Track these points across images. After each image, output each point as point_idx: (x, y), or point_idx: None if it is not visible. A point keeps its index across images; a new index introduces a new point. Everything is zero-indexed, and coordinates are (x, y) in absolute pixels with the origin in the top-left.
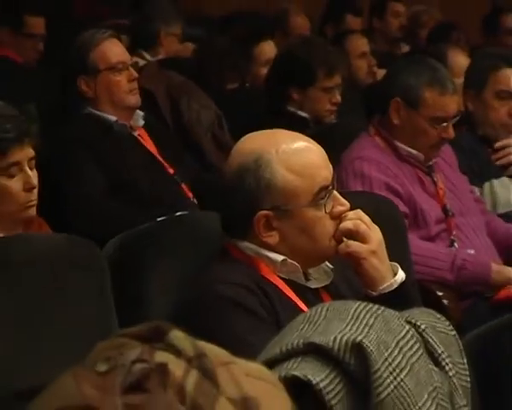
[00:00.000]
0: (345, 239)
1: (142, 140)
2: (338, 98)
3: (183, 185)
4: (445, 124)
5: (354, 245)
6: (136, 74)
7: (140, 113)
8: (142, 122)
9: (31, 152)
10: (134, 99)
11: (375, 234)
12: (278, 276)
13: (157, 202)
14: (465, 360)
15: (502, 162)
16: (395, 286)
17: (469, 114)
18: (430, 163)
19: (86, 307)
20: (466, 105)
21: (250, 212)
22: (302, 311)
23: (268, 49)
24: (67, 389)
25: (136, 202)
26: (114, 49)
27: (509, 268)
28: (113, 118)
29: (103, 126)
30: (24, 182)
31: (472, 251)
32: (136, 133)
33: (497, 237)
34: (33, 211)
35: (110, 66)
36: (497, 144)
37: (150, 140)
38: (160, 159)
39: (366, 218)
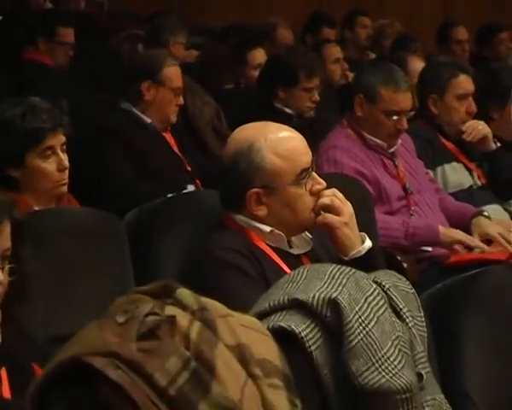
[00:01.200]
0: (322, 212)
1: (168, 141)
2: (317, 97)
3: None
4: (396, 117)
5: (330, 217)
6: (182, 102)
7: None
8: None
9: (63, 138)
10: (175, 118)
11: (347, 208)
12: (266, 244)
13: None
14: (422, 314)
15: (473, 136)
16: (363, 252)
17: (432, 117)
18: (392, 150)
19: (108, 268)
20: (428, 108)
21: (243, 189)
22: (286, 273)
23: (259, 55)
24: (93, 336)
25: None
26: (180, 77)
27: (456, 230)
28: (148, 120)
29: (140, 125)
30: (57, 164)
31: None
32: (164, 135)
33: (448, 212)
34: (65, 188)
35: (173, 87)
36: (465, 126)
37: (175, 142)
38: (182, 157)
39: (340, 195)
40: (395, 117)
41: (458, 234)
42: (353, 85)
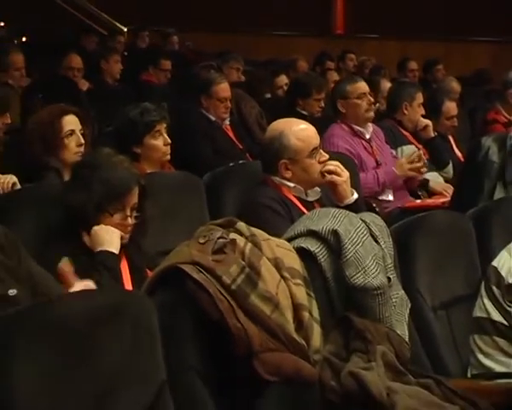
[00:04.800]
0: (327, 174)
1: (227, 131)
2: (322, 104)
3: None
4: (364, 96)
5: (334, 178)
6: (229, 106)
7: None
8: (228, 121)
9: (165, 126)
10: (226, 115)
11: (345, 173)
12: (292, 194)
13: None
14: (390, 239)
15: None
16: (352, 201)
17: (399, 121)
18: (368, 137)
19: (193, 210)
20: (402, 111)
21: (276, 160)
22: (304, 213)
23: (283, 78)
24: (183, 252)
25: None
26: (226, 89)
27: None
28: (213, 118)
29: (208, 120)
30: (163, 141)
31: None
32: (224, 126)
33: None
34: (168, 157)
35: (219, 98)
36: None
37: (231, 131)
38: (236, 142)
39: (339, 163)
40: (364, 98)
41: (407, 171)
42: (333, 96)
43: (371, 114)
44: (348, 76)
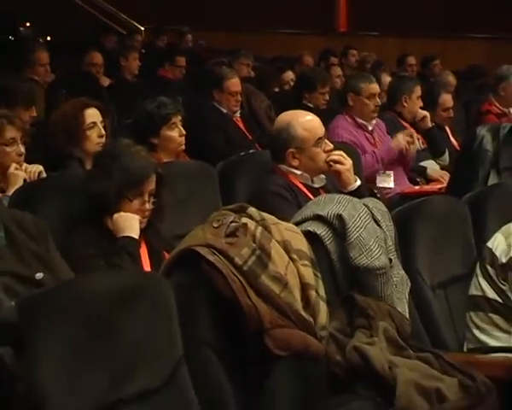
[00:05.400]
0: (332, 163)
1: (238, 122)
2: (327, 97)
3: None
4: (373, 98)
5: (339, 166)
6: (240, 99)
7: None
8: (238, 114)
9: (180, 118)
10: (236, 108)
11: (348, 161)
12: (299, 181)
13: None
14: (392, 223)
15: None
16: (355, 187)
17: (399, 112)
18: (371, 128)
19: (207, 196)
20: (401, 104)
21: (284, 149)
22: (310, 199)
23: (290, 74)
24: (198, 235)
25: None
26: (236, 84)
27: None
28: (224, 110)
29: (220, 113)
30: (178, 132)
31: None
32: (235, 118)
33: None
34: (183, 148)
35: (230, 91)
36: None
37: (242, 123)
38: (247, 133)
39: (343, 152)
40: (373, 99)
41: (401, 144)
42: (344, 90)
43: (375, 115)
44: (364, 74)
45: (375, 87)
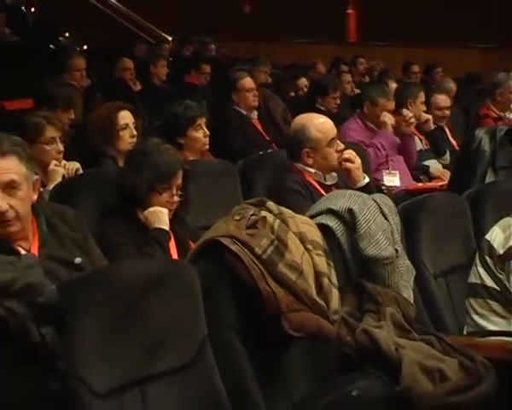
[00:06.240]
0: (343, 162)
1: (256, 124)
2: (338, 102)
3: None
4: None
5: (349, 165)
6: (256, 99)
7: (255, 112)
8: (256, 116)
9: (205, 120)
10: (254, 107)
11: (357, 159)
12: (313, 179)
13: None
14: (398, 217)
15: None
16: (364, 184)
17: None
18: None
19: (228, 193)
20: (407, 107)
21: (300, 149)
22: (323, 195)
23: (304, 80)
24: (221, 227)
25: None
26: (249, 82)
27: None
28: (243, 112)
29: (240, 115)
30: (203, 133)
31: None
32: (253, 121)
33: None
34: (207, 147)
35: (246, 89)
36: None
37: (260, 125)
38: (264, 134)
39: (353, 152)
40: (386, 114)
41: (389, 120)
42: (362, 96)
43: (384, 126)
44: (384, 89)
45: (391, 105)
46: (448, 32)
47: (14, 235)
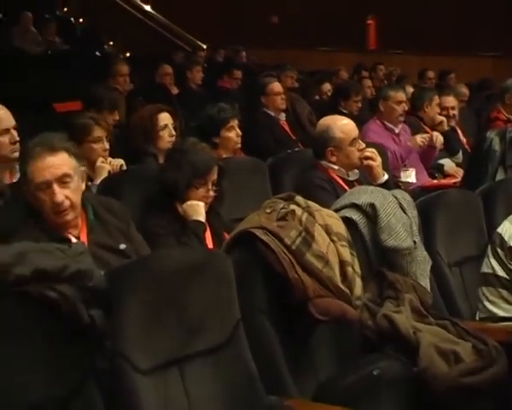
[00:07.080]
0: (364, 160)
1: (284, 125)
2: (359, 105)
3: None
4: (401, 104)
5: (370, 162)
6: (284, 101)
7: (283, 114)
8: (284, 118)
9: (237, 121)
10: (283, 107)
11: (378, 157)
12: (337, 175)
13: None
14: (416, 211)
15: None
16: (384, 180)
17: (421, 118)
18: (397, 131)
19: (259, 188)
20: (423, 110)
21: (325, 148)
22: (346, 190)
23: (327, 85)
24: (253, 219)
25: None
26: (277, 87)
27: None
28: (272, 114)
29: (269, 117)
30: (235, 133)
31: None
32: (281, 122)
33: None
34: (239, 146)
35: (274, 93)
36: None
37: (287, 126)
38: (291, 134)
39: (374, 150)
40: (400, 105)
41: (417, 143)
42: (377, 96)
43: (402, 119)
44: (393, 85)
45: (401, 95)
46: (461, 41)
47: (70, 223)
